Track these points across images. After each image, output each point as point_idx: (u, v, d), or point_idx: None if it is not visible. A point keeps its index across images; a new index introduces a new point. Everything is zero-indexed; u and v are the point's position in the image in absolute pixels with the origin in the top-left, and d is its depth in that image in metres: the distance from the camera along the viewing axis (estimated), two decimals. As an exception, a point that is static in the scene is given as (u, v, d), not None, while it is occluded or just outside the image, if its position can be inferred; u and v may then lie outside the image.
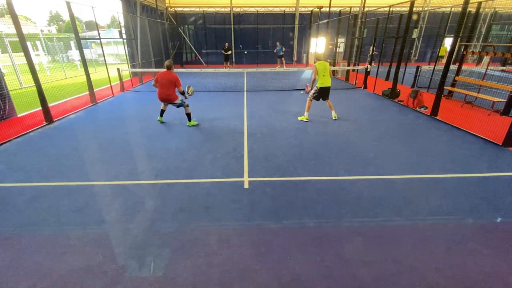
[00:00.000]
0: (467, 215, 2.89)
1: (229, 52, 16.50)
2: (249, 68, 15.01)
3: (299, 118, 6.32)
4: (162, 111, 6.08)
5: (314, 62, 6.09)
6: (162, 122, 6.12)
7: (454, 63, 7.82)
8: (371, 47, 11.38)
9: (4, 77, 6.29)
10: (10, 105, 6.33)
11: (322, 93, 6.10)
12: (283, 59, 16.46)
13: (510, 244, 2.48)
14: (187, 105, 5.80)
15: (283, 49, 16.34)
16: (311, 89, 6.24)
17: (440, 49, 16.01)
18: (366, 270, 2.21)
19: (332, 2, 14.31)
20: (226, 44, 16.48)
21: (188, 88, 5.80)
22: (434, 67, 9.10)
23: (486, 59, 12.71)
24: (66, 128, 5.81)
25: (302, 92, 9.54)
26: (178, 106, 5.79)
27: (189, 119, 5.89)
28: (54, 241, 2.55)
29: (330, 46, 15.86)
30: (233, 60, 19.33)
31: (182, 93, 5.67)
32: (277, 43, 16.77)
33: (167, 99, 5.61)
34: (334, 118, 6.31)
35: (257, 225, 2.76)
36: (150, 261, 2.32)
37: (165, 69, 5.53)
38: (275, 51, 16.56)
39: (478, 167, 3.94)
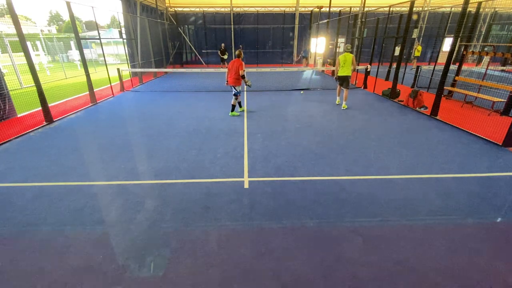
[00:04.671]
0: (467, 215, 2.89)
1: (226, 56, 16.28)
2: (249, 68, 14.98)
3: (337, 102, 7.70)
4: (233, 106, 6.72)
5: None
6: (241, 111, 7.09)
7: (454, 63, 7.81)
8: (397, 47, 11.44)
9: (4, 77, 6.29)
10: (10, 105, 6.33)
11: (340, 80, 7.32)
12: (304, 59, 17.55)
13: (510, 244, 2.48)
14: (236, 98, 6.62)
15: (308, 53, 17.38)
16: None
17: (415, 49, 16.09)
18: (366, 270, 2.21)
19: (332, 2, 14.29)
20: (222, 45, 16.21)
21: (248, 80, 6.57)
22: (434, 67, 9.10)
23: (486, 59, 12.71)
24: (66, 128, 5.81)
25: (302, 92, 9.55)
26: (235, 94, 6.56)
27: (232, 110, 6.75)
28: (54, 241, 2.55)
29: (330, 46, 15.86)
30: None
31: (243, 77, 6.41)
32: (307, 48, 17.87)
33: (234, 82, 6.43)
34: (342, 108, 7.35)
35: (257, 225, 2.76)
36: (150, 261, 2.32)
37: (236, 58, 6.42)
38: (301, 53, 17.81)
39: (478, 167, 3.94)
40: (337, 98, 7.76)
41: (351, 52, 7.13)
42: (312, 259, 2.33)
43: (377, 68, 10.31)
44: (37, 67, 5.93)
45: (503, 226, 2.73)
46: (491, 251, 2.39)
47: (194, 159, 4.28)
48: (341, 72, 7.14)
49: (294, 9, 18.47)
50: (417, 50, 16.32)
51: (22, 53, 5.38)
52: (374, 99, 8.60)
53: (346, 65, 7.03)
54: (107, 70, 9.29)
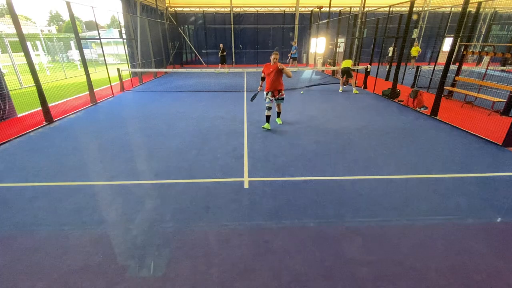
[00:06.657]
0: (467, 215, 2.89)
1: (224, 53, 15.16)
2: (249, 68, 15.00)
3: (340, 90, 9.60)
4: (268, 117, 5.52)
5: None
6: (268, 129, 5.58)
7: (454, 63, 7.81)
8: (391, 48, 11.49)
9: (4, 77, 6.29)
10: (10, 105, 6.32)
11: (343, 73, 9.32)
12: (292, 60, 16.28)
13: (510, 244, 2.48)
14: (273, 106, 5.57)
15: (295, 50, 16.16)
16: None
17: (412, 49, 16.06)
18: (366, 270, 2.21)
19: (332, 2, 14.29)
20: (221, 45, 14.99)
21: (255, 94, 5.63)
22: (434, 67, 9.10)
23: (486, 59, 12.71)
24: (66, 128, 5.81)
25: (302, 92, 9.55)
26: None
27: (278, 116, 5.99)
28: (54, 241, 2.55)
29: (330, 46, 15.85)
30: (233, 60, 19.32)
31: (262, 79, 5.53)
32: (292, 43, 16.59)
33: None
34: (353, 92, 9.39)
35: (257, 225, 2.76)
36: (150, 261, 2.32)
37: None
38: (290, 55, 16.43)
39: (478, 167, 3.94)
40: (340, 87, 9.65)
41: (350, 59, 9.99)
42: (312, 259, 2.33)
43: (377, 68, 10.30)
44: (37, 67, 5.93)
45: (503, 226, 2.73)
46: (491, 251, 2.39)
47: (194, 159, 4.28)
48: (344, 65, 9.24)
49: (294, 9, 18.46)
50: (415, 50, 16.31)
51: (22, 53, 5.38)
52: (374, 99, 8.60)
53: (346, 63, 9.30)
54: (107, 70, 9.28)
